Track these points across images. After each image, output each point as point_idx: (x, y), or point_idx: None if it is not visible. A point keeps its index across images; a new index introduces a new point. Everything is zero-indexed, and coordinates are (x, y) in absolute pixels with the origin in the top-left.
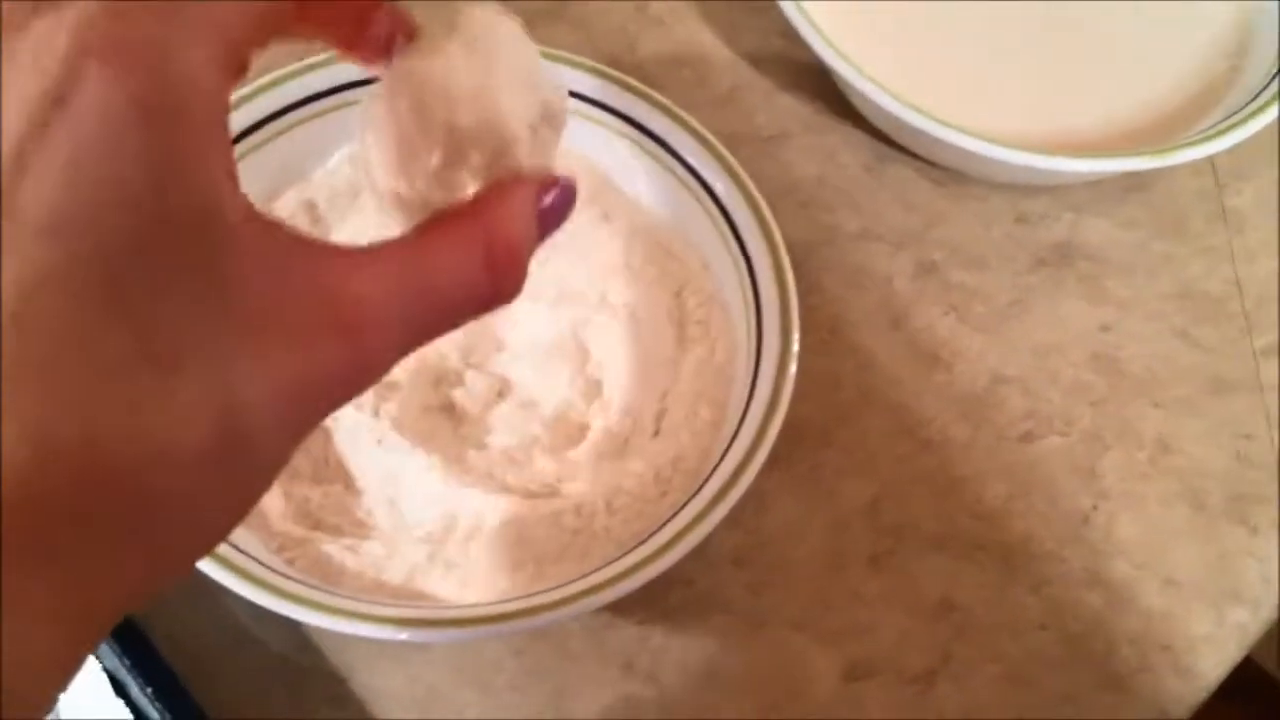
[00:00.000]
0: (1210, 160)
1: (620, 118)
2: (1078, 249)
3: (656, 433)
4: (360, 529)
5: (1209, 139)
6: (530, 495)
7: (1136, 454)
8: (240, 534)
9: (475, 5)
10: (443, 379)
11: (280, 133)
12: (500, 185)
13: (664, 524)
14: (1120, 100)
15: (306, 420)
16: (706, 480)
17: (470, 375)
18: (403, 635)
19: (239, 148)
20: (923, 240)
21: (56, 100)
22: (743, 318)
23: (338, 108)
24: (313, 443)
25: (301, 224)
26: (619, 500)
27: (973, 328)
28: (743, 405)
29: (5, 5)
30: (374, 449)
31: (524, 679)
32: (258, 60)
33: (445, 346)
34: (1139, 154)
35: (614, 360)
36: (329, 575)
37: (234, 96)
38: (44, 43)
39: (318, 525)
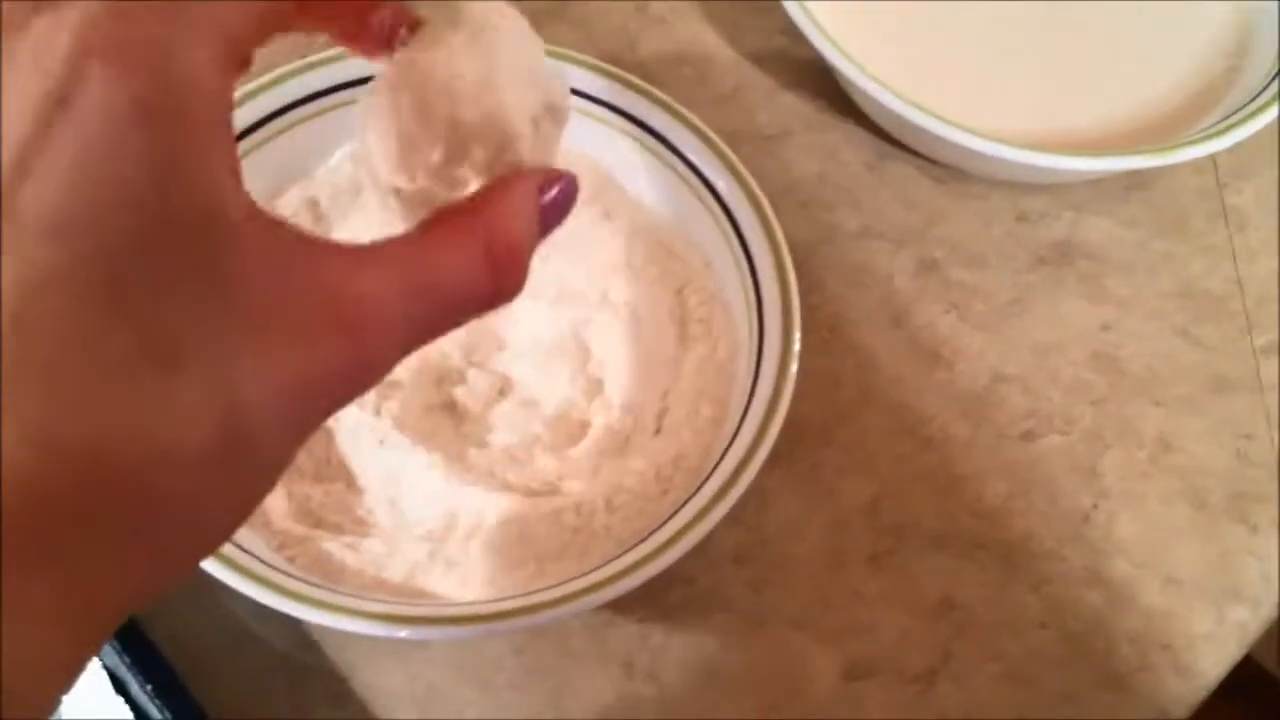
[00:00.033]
0: (1211, 159)
1: (622, 115)
2: (1078, 247)
3: (658, 431)
4: (361, 527)
5: (1210, 138)
6: (531, 493)
7: (1137, 453)
8: (241, 532)
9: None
10: (444, 377)
11: (282, 130)
12: (502, 181)
13: (664, 522)
14: (1121, 99)
15: (310, 419)
16: (707, 478)
17: (472, 374)
18: (403, 633)
19: (241, 146)
20: (924, 238)
21: (59, 101)
22: (744, 316)
23: (339, 105)
24: (314, 441)
25: (304, 222)
26: (620, 498)
27: (973, 326)
28: (744, 404)
29: (5, 5)
30: (375, 448)
31: (524, 677)
32: (260, 55)
33: (447, 345)
34: (1140, 152)
35: (615, 359)
36: (330, 573)
37: (236, 94)
38: (45, 43)
39: (319, 523)
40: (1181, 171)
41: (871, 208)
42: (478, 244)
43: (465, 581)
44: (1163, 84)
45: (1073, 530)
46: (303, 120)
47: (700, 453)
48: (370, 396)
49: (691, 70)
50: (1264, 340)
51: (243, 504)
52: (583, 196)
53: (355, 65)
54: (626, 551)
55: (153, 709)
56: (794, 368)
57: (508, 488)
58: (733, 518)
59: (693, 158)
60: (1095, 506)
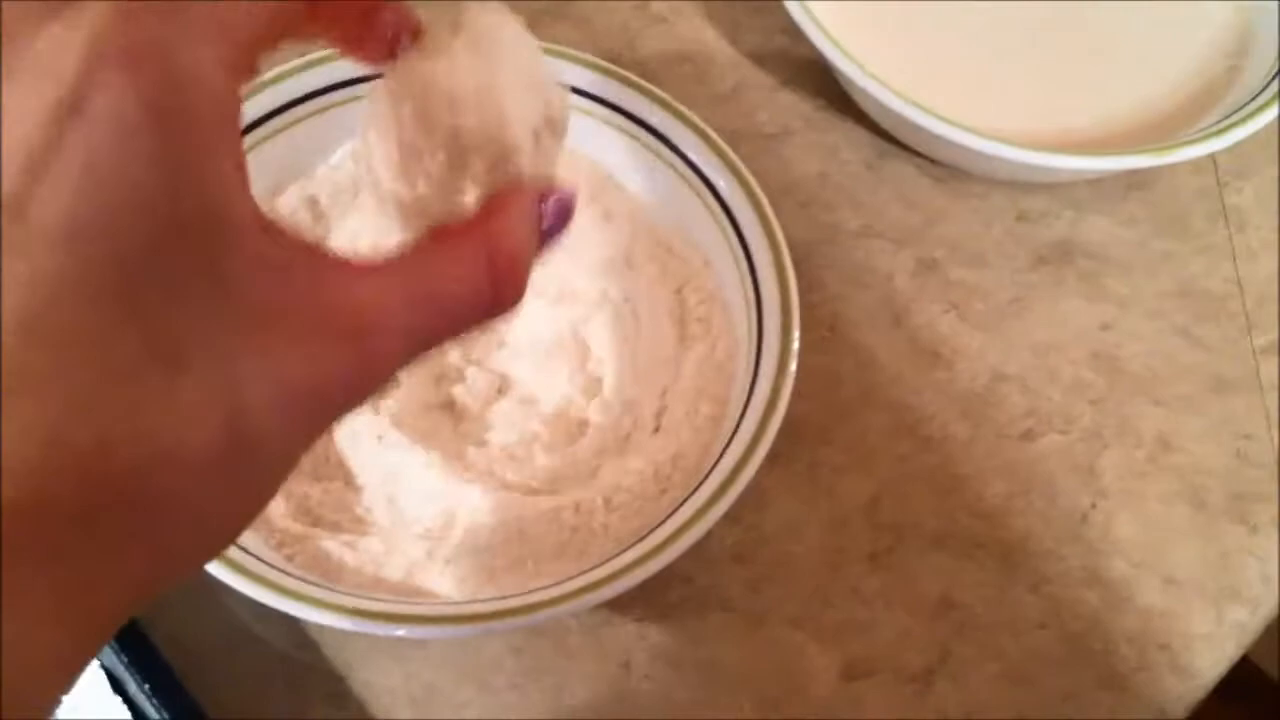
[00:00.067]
0: (1211, 158)
1: (622, 114)
2: (1078, 247)
3: (656, 430)
4: (360, 526)
5: (1209, 137)
6: (530, 492)
7: (1136, 452)
8: None
9: (481, 7)
10: (443, 376)
11: (282, 129)
12: (502, 195)
13: (663, 521)
14: (1121, 98)
15: (313, 425)
16: (706, 477)
17: (471, 372)
18: (401, 631)
19: None
20: (923, 238)
21: (70, 107)
22: (743, 315)
23: (340, 104)
24: None
25: (303, 220)
26: (618, 497)
27: (973, 325)
28: (743, 402)
29: (11, 12)
30: (374, 446)
31: (522, 676)
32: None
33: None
34: (1140, 152)
35: (614, 357)
36: (328, 572)
37: None
38: (55, 49)
39: (317, 522)
40: (1181, 171)
41: (871, 207)
42: (480, 257)
43: (463, 580)
44: (1163, 83)
45: (1072, 530)
46: (302, 118)
47: (699, 451)
48: None
49: (692, 69)
50: (1263, 340)
51: (246, 507)
52: (583, 195)
53: (350, 66)
54: (625, 550)
55: (150, 708)
56: (793, 367)
57: (506, 486)
58: (731, 516)
59: (693, 156)
60: (1094, 506)
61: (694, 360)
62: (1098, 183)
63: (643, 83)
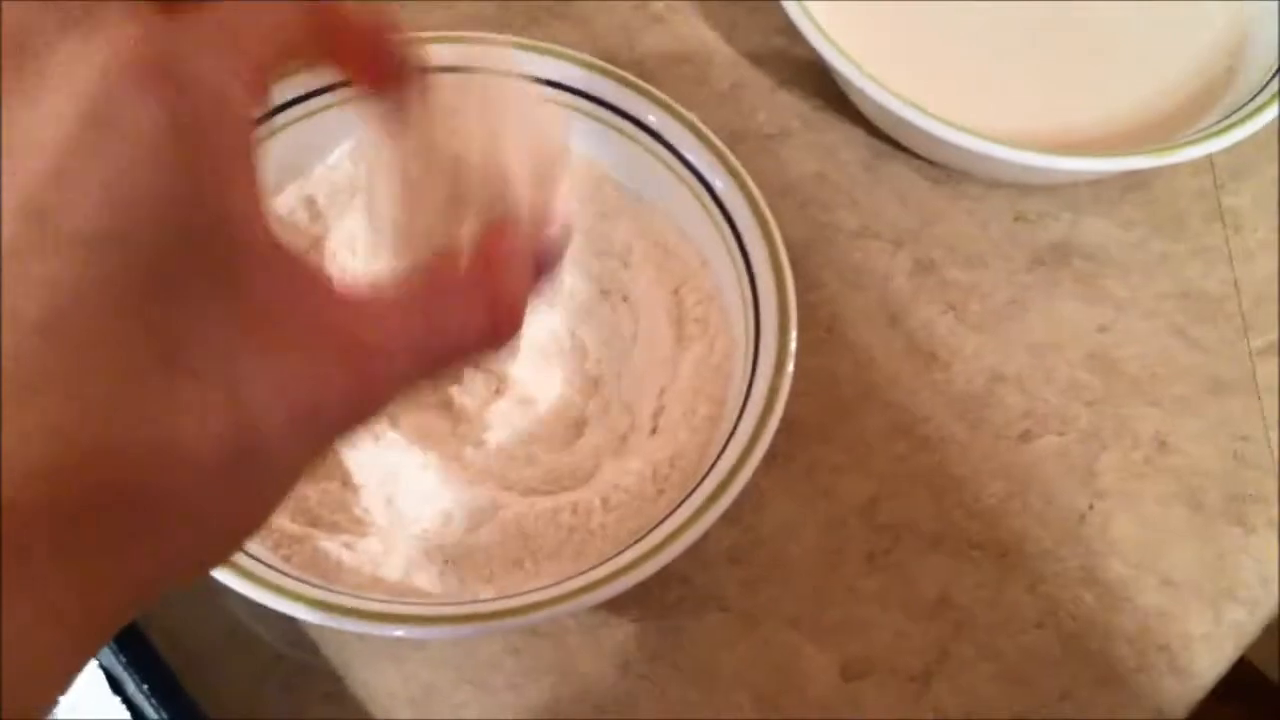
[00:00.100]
0: (1209, 159)
1: (619, 114)
2: (1076, 248)
3: (654, 430)
4: (358, 526)
5: (1208, 138)
6: (527, 492)
7: (1133, 453)
8: None
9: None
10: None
11: (281, 128)
12: (501, 235)
13: (660, 521)
14: (1119, 99)
15: (316, 440)
16: (703, 478)
17: (468, 372)
18: (399, 631)
19: None
20: (921, 238)
21: (92, 118)
22: (740, 315)
23: (338, 104)
24: None
25: (301, 219)
26: (616, 498)
27: (970, 326)
28: (740, 403)
29: (27, 23)
30: (372, 446)
31: (521, 676)
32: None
33: None
34: (1138, 153)
35: (611, 358)
36: (326, 572)
37: None
38: (75, 61)
39: (315, 522)
40: (1179, 172)
41: (869, 207)
42: (480, 293)
43: (462, 581)
44: (1161, 84)
45: (1069, 530)
46: (300, 118)
47: (697, 452)
48: None
49: (690, 69)
50: (1261, 341)
51: (251, 516)
52: (581, 195)
53: None
54: (623, 551)
55: (149, 708)
56: (790, 367)
57: (504, 487)
58: (729, 517)
59: (690, 157)
60: (1092, 507)
61: (691, 360)
62: (1095, 184)
63: (640, 83)
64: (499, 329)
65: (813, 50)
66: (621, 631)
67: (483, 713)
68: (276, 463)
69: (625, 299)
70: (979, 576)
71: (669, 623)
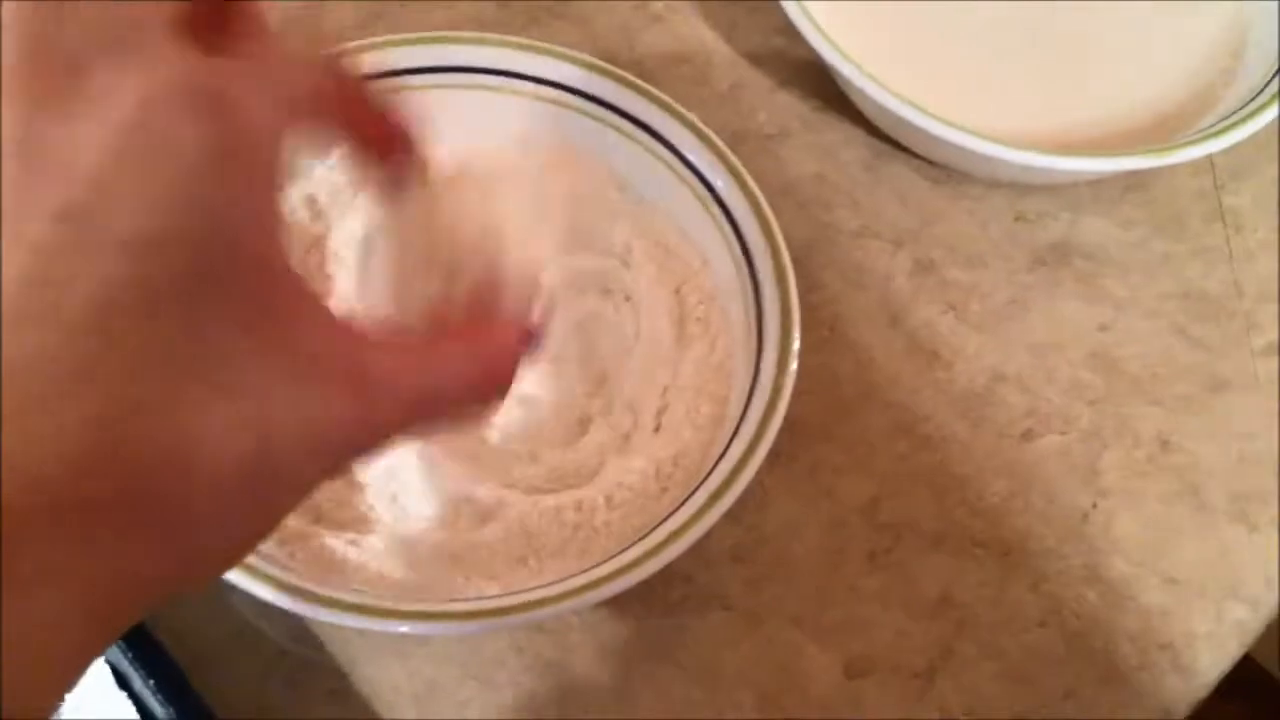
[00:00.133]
0: (1209, 159)
1: (620, 114)
2: (1076, 248)
3: (657, 429)
4: (362, 523)
5: (1208, 138)
6: (531, 490)
7: (1135, 452)
8: None
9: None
10: None
11: None
12: (492, 302)
13: (664, 520)
14: (1119, 99)
15: (323, 468)
16: (706, 477)
17: None
18: (403, 628)
19: None
20: (921, 238)
21: (141, 132)
22: (742, 315)
23: None
24: None
25: (302, 219)
26: (619, 496)
27: (971, 326)
28: (743, 402)
29: (86, 49)
30: None
31: (524, 673)
32: None
33: None
34: (1138, 153)
35: (615, 356)
36: (330, 569)
37: None
38: (132, 83)
39: (320, 519)
40: (1180, 172)
41: (869, 207)
42: (474, 352)
43: (466, 578)
44: (1161, 84)
45: (1072, 529)
46: None
47: (700, 451)
48: None
49: (689, 69)
50: (1262, 341)
51: (258, 528)
52: (582, 194)
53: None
54: (626, 549)
55: (155, 704)
56: (793, 367)
57: (508, 484)
58: (732, 516)
59: (691, 157)
60: (1094, 506)
61: (693, 359)
62: (1096, 184)
63: (641, 83)
64: (489, 384)
65: (812, 50)
66: (625, 629)
67: (486, 709)
68: (290, 484)
69: (627, 298)
70: (981, 575)
71: (672, 621)
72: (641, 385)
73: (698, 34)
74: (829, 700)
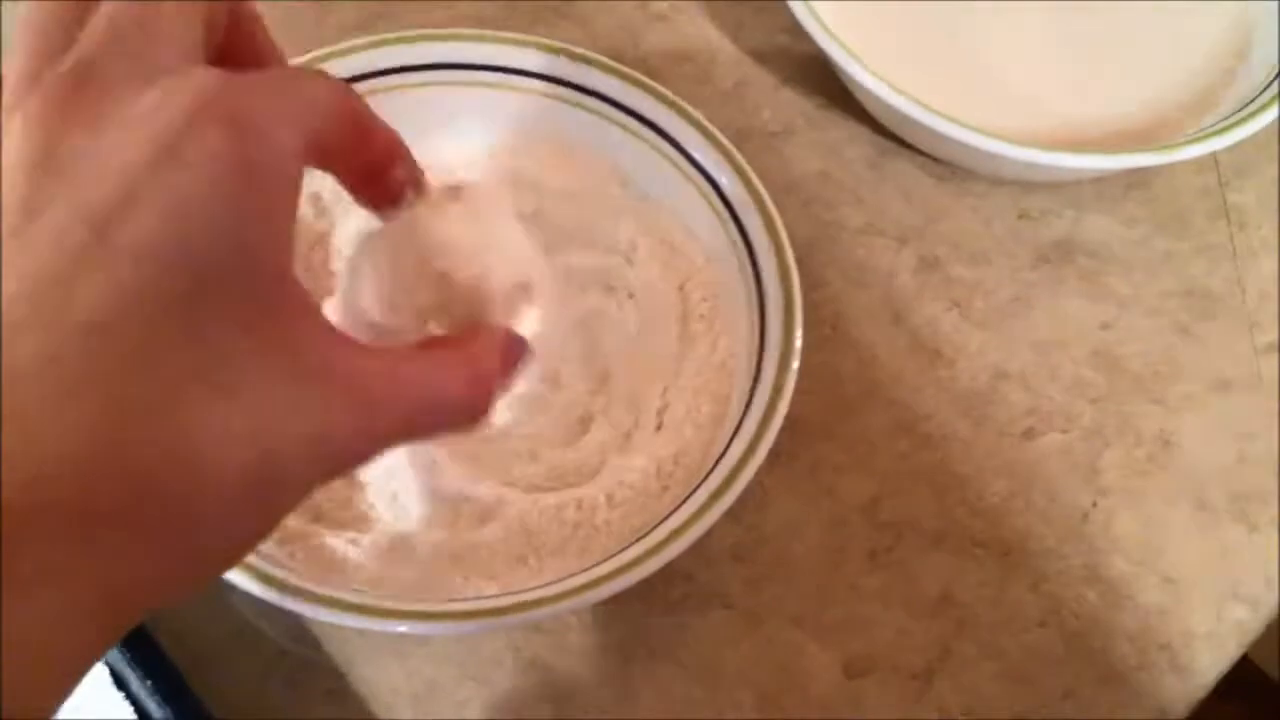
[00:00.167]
0: (1213, 157)
1: (624, 111)
2: (1079, 246)
3: (658, 427)
4: (362, 522)
5: (1211, 136)
6: (531, 489)
7: (1136, 451)
8: None
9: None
10: None
11: None
12: (478, 331)
13: (664, 519)
14: (1123, 97)
15: (324, 472)
16: (707, 475)
17: None
18: (402, 628)
19: None
20: (925, 236)
21: (169, 150)
22: (745, 313)
23: None
24: None
25: (306, 216)
26: (620, 494)
27: (974, 324)
28: (745, 400)
29: (114, 73)
30: None
31: (523, 673)
32: None
33: None
34: (1141, 151)
35: (617, 354)
36: (330, 568)
37: None
38: (160, 105)
39: (319, 518)
40: (1183, 170)
41: (873, 205)
42: (463, 373)
43: (466, 577)
44: (1165, 82)
45: (1072, 528)
46: None
47: (701, 449)
48: None
49: (694, 67)
50: (1265, 339)
51: (257, 530)
52: (584, 192)
53: (356, 62)
54: (626, 548)
55: (153, 705)
56: (795, 365)
57: (509, 483)
58: (732, 515)
59: (696, 154)
60: (1095, 505)
61: (696, 358)
62: (1099, 181)
63: (646, 80)
64: (476, 403)
65: (817, 48)
66: (624, 628)
67: (485, 709)
68: (290, 490)
69: (630, 295)
70: (981, 575)
71: (672, 620)
72: (643, 383)
73: (702, 32)
74: (829, 699)
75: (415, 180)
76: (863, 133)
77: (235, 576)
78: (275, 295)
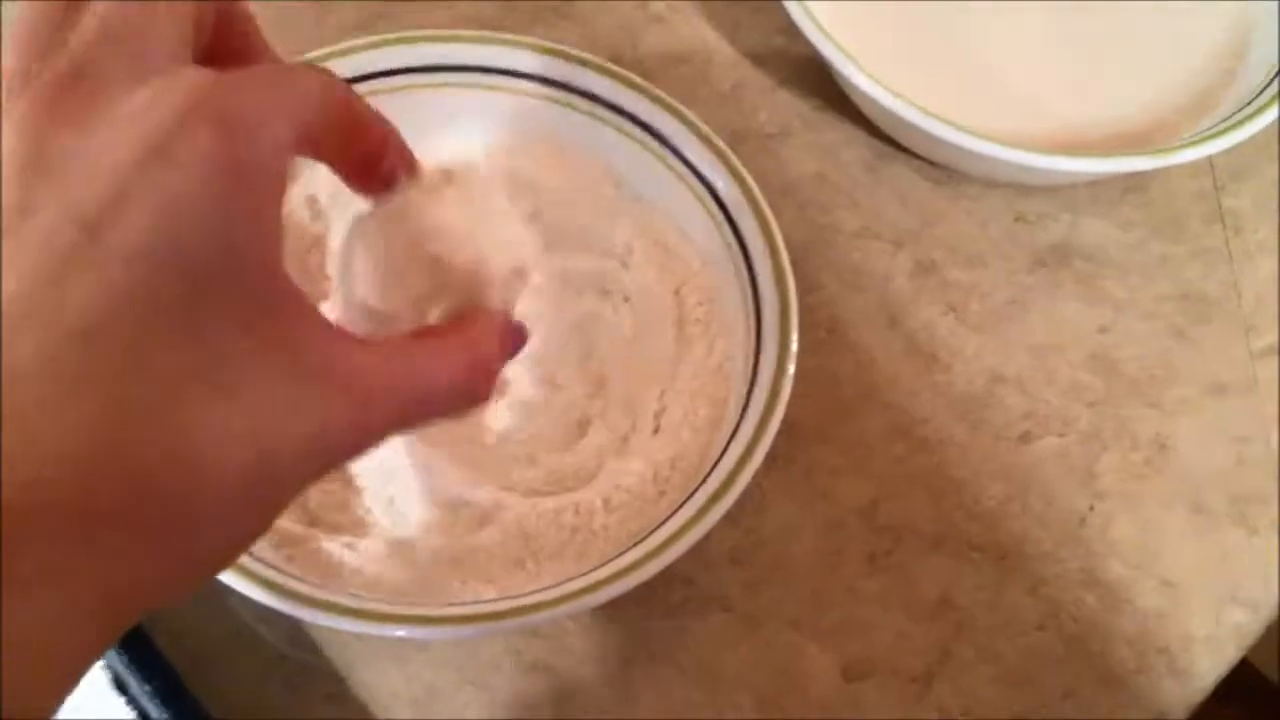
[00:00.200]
0: (1209, 161)
1: (620, 114)
2: (1076, 249)
3: (656, 431)
4: (360, 527)
5: (1207, 139)
6: (529, 493)
7: (1133, 455)
8: None
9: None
10: None
11: None
12: (480, 314)
13: (662, 523)
14: (1119, 101)
15: (319, 469)
16: (704, 479)
17: None
18: (401, 632)
19: None
20: (921, 239)
21: (159, 150)
22: (741, 316)
23: None
24: None
25: (303, 218)
26: (617, 498)
27: (971, 327)
28: (741, 404)
29: (106, 73)
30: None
31: (522, 677)
32: None
33: None
34: (1138, 154)
35: (613, 358)
36: (328, 572)
37: None
38: (149, 105)
39: (316, 522)
40: (1179, 174)
41: (870, 208)
42: (462, 358)
43: (464, 581)
44: (1164, 82)
45: (1070, 532)
46: None
47: (698, 453)
48: None
49: (690, 69)
50: (1261, 343)
51: (255, 527)
52: (580, 193)
53: (355, 62)
54: (624, 552)
55: (152, 708)
56: (792, 368)
57: (506, 487)
58: (730, 518)
59: (691, 157)
60: (1092, 508)
61: (692, 361)
62: (1095, 185)
63: (642, 82)
64: (476, 388)
65: (814, 50)
66: (623, 632)
67: (485, 713)
68: (285, 485)
69: (626, 299)
70: (979, 578)
71: (671, 623)
72: (640, 387)
73: (699, 34)
74: (828, 702)
75: (408, 164)
76: (859, 135)
77: (234, 580)
78: (271, 294)
